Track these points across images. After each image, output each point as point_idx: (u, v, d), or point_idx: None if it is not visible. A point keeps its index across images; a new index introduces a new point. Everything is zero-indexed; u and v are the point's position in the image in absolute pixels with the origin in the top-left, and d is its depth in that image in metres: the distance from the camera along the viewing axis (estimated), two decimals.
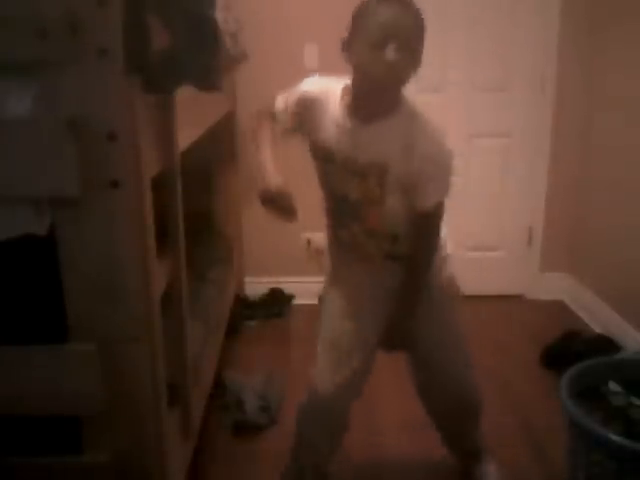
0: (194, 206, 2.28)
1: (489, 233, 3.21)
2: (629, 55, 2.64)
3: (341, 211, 1.60)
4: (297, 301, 3.21)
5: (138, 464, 1.35)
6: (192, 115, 1.74)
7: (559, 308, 3.17)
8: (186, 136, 1.65)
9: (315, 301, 3.15)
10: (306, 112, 1.55)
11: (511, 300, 3.21)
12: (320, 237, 3.16)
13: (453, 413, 1.79)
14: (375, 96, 1.43)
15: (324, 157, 1.54)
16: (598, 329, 2.86)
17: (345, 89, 1.49)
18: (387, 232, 1.56)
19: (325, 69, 3.00)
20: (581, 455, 1.62)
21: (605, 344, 2.56)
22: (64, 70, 1.13)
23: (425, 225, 1.53)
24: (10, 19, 1.09)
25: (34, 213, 1.21)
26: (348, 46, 1.44)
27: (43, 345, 1.29)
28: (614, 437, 1.52)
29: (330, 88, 1.53)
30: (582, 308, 3.10)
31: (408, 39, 1.35)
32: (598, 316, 2.92)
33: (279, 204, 1.56)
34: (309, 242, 3.23)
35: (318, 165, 1.60)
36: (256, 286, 3.23)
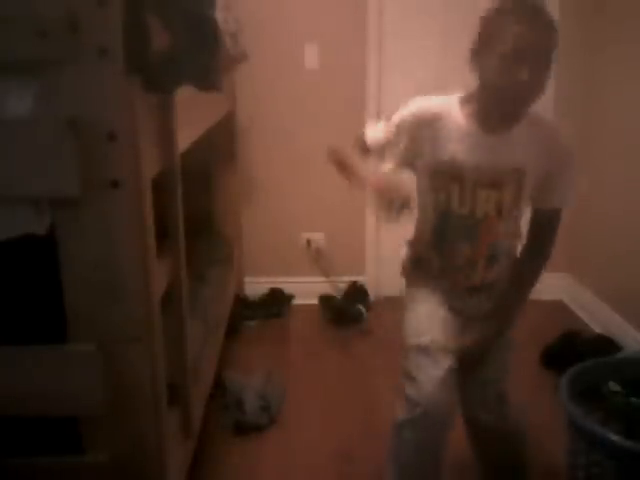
0: (194, 206, 2.28)
1: None
2: (629, 55, 2.64)
3: (451, 230, 1.49)
4: (297, 301, 3.21)
5: (138, 464, 1.35)
6: (192, 115, 1.74)
7: (559, 308, 3.17)
8: (186, 136, 1.65)
9: (315, 301, 3.16)
10: (422, 132, 1.45)
11: None
12: (320, 237, 3.17)
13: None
14: (507, 108, 1.39)
15: (450, 174, 1.43)
16: (598, 329, 2.86)
17: (465, 101, 1.45)
18: (489, 254, 1.51)
19: (325, 69, 3.03)
20: (581, 455, 1.62)
21: (605, 344, 2.56)
22: (64, 70, 1.12)
23: (541, 232, 1.52)
24: (10, 19, 1.09)
25: (34, 213, 1.21)
26: (477, 55, 1.37)
27: (43, 345, 1.29)
28: (614, 437, 1.52)
29: (445, 103, 1.47)
30: (582, 308, 3.10)
31: (541, 57, 1.31)
32: (598, 316, 2.92)
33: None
34: (309, 242, 3.23)
35: (437, 185, 1.47)
36: (256, 286, 3.23)
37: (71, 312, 1.26)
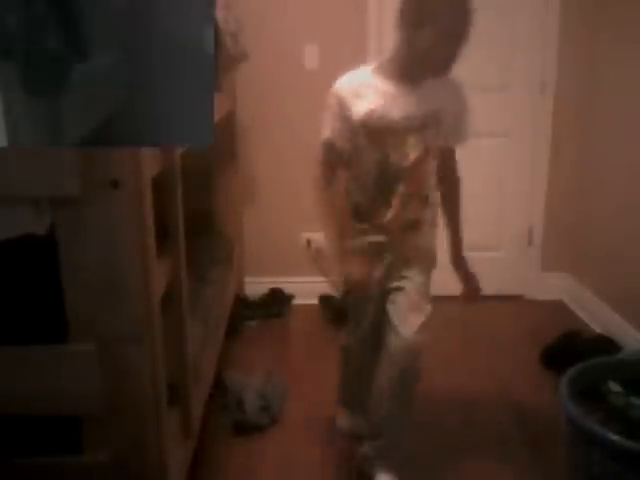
0: (195, 206, 2.28)
1: (489, 233, 3.20)
2: (629, 55, 2.64)
3: (385, 179, 1.72)
4: (297, 301, 3.21)
5: (138, 464, 1.35)
6: None
7: (559, 308, 3.17)
8: None
9: (315, 301, 3.16)
10: (351, 107, 1.68)
11: (511, 300, 3.21)
12: (320, 237, 3.16)
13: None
14: (434, 71, 1.67)
15: (383, 127, 1.66)
16: (598, 329, 2.86)
17: (381, 66, 1.69)
18: (422, 194, 1.77)
19: (325, 69, 3.03)
20: (581, 455, 1.62)
21: (605, 344, 2.56)
22: None
23: (452, 164, 1.83)
24: None
25: (34, 213, 1.21)
26: (408, 24, 1.59)
27: (43, 345, 1.29)
28: (614, 437, 1.52)
29: (361, 74, 1.71)
30: (582, 308, 3.10)
31: (467, 33, 1.60)
32: (598, 316, 2.92)
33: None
34: (309, 242, 3.23)
35: (373, 140, 1.69)
36: (256, 286, 3.23)
37: (71, 312, 1.26)
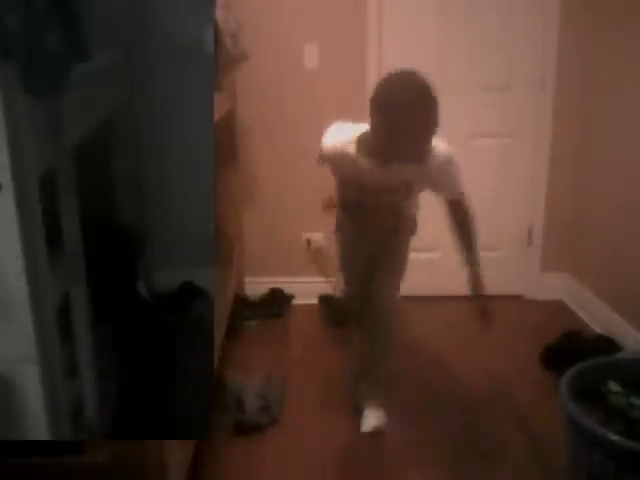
0: None
1: (489, 233, 3.20)
2: (629, 56, 2.64)
3: (357, 201, 2.05)
4: (297, 301, 3.21)
5: (138, 464, 1.35)
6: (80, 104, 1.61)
7: (559, 308, 3.17)
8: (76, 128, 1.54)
9: (315, 301, 3.16)
10: (335, 160, 1.94)
11: (511, 300, 3.21)
12: (320, 237, 3.17)
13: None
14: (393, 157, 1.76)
15: (356, 186, 1.97)
16: (598, 329, 2.86)
17: (362, 139, 1.83)
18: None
19: (325, 69, 3.03)
20: (581, 455, 1.62)
21: (605, 344, 2.56)
22: None
23: (460, 209, 1.98)
24: None
25: None
26: (374, 110, 1.69)
27: None
28: (614, 437, 1.52)
29: (348, 140, 1.86)
30: (582, 308, 3.10)
31: (426, 125, 1.64)
32: (598, 316, 2.92)
33: None
34: (309, 242, 3.23)
35: (350, 189, 2.05)
36: (256, 286, 3.23)
37: None
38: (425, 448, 2.06)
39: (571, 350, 2.45)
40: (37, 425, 1.20)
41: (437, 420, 2.22)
